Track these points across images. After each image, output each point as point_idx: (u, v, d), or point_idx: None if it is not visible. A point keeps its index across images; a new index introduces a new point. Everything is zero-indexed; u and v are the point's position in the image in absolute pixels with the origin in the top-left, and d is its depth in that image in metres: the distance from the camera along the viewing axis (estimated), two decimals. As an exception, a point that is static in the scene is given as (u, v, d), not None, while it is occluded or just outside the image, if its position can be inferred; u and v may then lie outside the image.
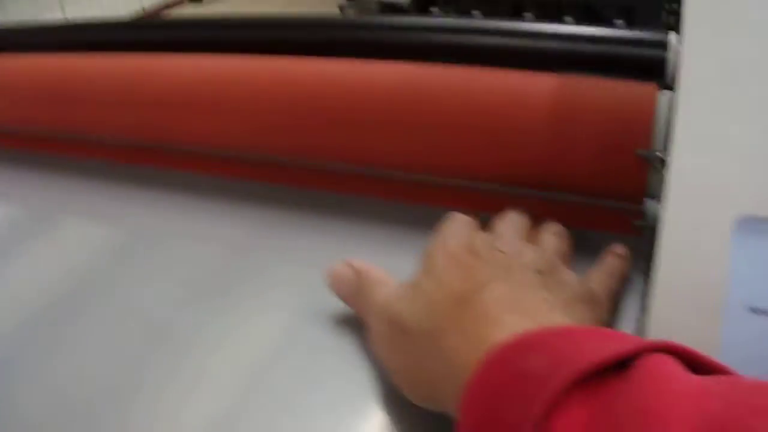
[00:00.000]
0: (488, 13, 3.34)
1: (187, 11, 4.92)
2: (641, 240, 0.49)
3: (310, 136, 0.57)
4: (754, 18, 0.36)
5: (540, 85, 0.50)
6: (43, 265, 0.60)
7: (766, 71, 0.36)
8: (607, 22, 2.34)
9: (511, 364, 0.33)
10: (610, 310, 0.45)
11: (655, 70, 0.52)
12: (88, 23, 0.79)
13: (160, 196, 0.66)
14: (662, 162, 0.46)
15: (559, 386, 0.30)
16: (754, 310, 0.34)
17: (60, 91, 0.69)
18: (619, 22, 3.15)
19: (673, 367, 0.30)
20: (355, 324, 0.49)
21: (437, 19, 0.59)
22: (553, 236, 0.48)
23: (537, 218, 0.50)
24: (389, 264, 0.49)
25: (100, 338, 0.51)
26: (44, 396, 0.47)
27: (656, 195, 0.48)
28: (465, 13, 3.43)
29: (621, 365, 0.31)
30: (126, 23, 0.81)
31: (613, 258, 0.48)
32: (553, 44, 0.56)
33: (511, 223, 0.48)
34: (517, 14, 3.32)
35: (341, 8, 4.40)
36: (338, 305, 0.49)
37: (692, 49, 0.38)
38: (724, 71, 0.37)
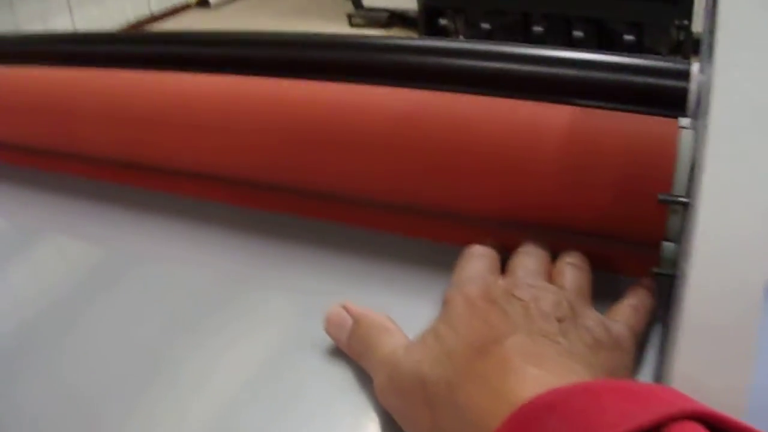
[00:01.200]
0: (497, 25, 3.33)
1: (195, 16, 4.91)
2: (657, 284, 0.46)
3: (306, 162, 0.54)
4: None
5: (553, 117, 0.47)
6: (20, 283, 0.58)
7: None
8: (617, 36, 2.33)
9: (531, 430, 0.31)
10: (635, 352, 0.42)
11: (676, 102, 0.49)
12: (74, 35, 0.77)
13: (146, 218, 0.63)
14: (684, 206, 0.43)
15: None
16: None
17: (44, 104, 0.66)
18: (629, 37, 3.14)
19: None
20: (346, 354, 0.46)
21: (446, 42, 0.55)
22: (573, 270, 0.45)
23: (557, 248, 0.48)
24: (391, 303, 0.46)
25: (74, 364, 0.48)
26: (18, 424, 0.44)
27: (675, 238, 0.45)
28: (473, 24, 3.44)
29: None
30: (114, 36, 0.78)
31: (640, 291, 0.46)
32: (567, 71, 0.53)
33: (529, 262, 0.46)
34: (525, 27, 3.32)
35: (350, 17, 4.39)
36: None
37: (725, 86, 0.34)
38: (760, 111, 0.34)
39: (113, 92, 0.62)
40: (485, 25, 3.37)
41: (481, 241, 0.49)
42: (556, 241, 0.48)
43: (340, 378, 0.45)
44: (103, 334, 0.51)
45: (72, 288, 0.57)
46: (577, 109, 0.48)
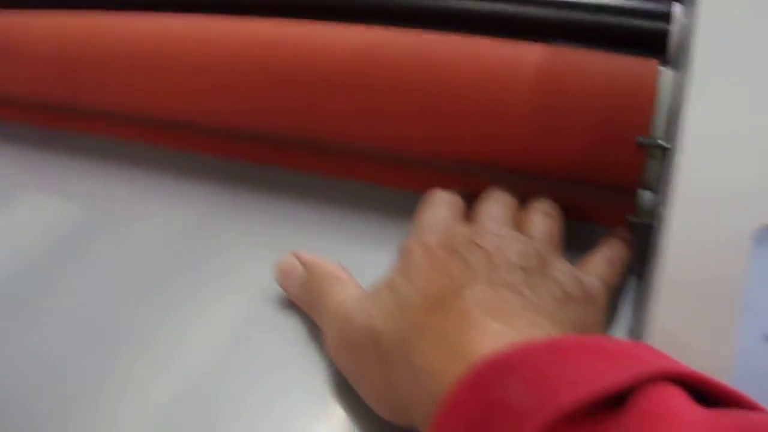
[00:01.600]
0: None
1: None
2: (634, 235, 0.44)
3: (269, 105, 0.51)
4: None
5: (527, 56, 0.44)
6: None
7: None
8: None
9: (488, 390, 0.28)
10: (608, 307, 0.39)
11: (655, 44, 0.47)
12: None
13: (111, 170, 0.60)
14: (663, 150, 0.40)
15: (539, 428, 0.25)
16: (771, 340, 0.29)
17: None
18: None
19: (678, 404, 0.24)
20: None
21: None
22: (543, 218, 0.42)
23: (526, 194, 0.45)
24: (355, 254, 0.44)
25: (48, 326, 0.47)
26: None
27: (652, 186, 0.42)
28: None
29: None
30: None
31: (615, 242, 0.43)
32: (543, 11, 0.50)
33: (495, 208, 0.43)
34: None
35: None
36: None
37: (709, 22, 0.32)
38: (746, 52, 0.31)
39: (64, 36, 0.59)
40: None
41: (446, 187, 0.46)
42: (527, 188, 0.46)
43: (317, 342, 0.43)
44: (73, 298, 0.49)
45: (40, 249, 0.54)
46: (552, 48, 0.45)
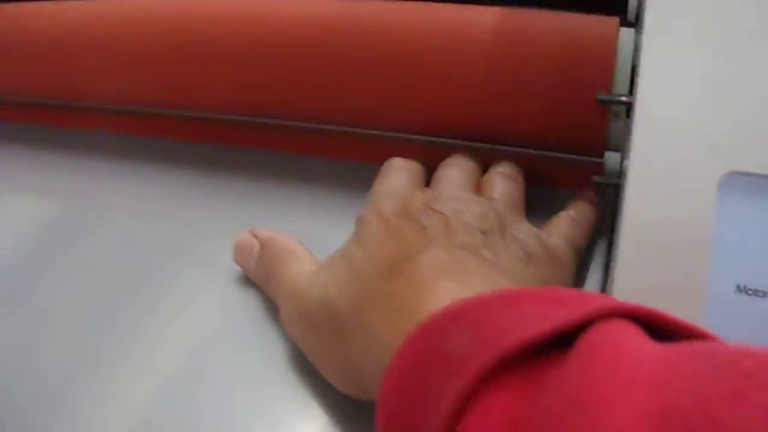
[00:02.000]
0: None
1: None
2: (601, 196, 0.43)
3: (221, 82, 0.49)
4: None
5: (481, 19, 0.43)
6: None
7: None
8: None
9: (432, 341, 0.26)
10: (574, 268, 0.38)
11: (615, 3, 0.45)
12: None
13: (83, 161, 0.58)
14: (627, 107, 0.39)
15: (477, 372, 0.23)
16: (744, 290, 0.28)
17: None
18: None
19: (630, 339, 0.22)
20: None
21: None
22: (503, 180, 0.41)
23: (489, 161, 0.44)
24: (317, 230, 0.42)
25: (29, 321, 0.45)
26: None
27: (618, 146, 0.41)
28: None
29: (568, 338, 0.23)
30: None
31: (580, 203, 0.42)
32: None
33: (454, 173, 0.41)
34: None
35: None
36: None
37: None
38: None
39: (24, 23, 0.57)
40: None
41: (406, 158, 0.45)
42: (489, 156, 0.44)
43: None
44: (53, 294, 0.47)
45: (14, 246, 0.52)
46: (506, 9, 0.43)
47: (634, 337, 0.22)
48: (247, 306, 0.43)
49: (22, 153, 0.60)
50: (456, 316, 0.26)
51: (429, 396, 0.25)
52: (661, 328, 0.23)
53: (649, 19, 0.32)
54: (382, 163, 0.45)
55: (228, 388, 0.39)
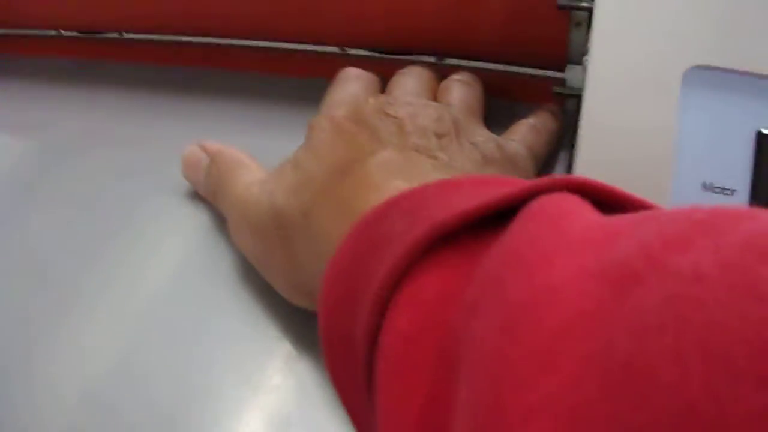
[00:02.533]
0: None
1: None
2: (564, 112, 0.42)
3: (175, 6, 0.47)
4: None
5: None
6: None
7: None
8: None
9: (371, 229, 0.25)
10: (533, 174, 0.37)
11: None
12: None
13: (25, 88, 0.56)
14: (589, 14, 0.38)
15: (410, 246, 0.22)
16: (709, 188, 0.27)
17: None
18: None
19: (575, 207, 0.21)
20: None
21: None
22: (459, 86, 0.40)
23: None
24: (270, 145, 0.40)
25: None
26: None
27: (580, 59, 0.40)
28: None
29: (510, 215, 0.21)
30: None
31: (541, 112, 0.41)
32: None
33: (410, 81, 0.40)
34: None
35: None
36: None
37: None
38: None
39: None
40: None
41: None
42: (447, 71, 0.43)
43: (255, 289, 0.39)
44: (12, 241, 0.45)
45: None
46: None
47: (579, 206, 0.21)
48: (199, 225, 0.42)
49: None
50: (395, 203, 0.25)
51: (364, 278, 0.23)
52: (611, 204, 0.22)
53: None
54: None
55: (185, 310, 0.38)
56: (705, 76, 0.27)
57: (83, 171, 0.47)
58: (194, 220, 0.42)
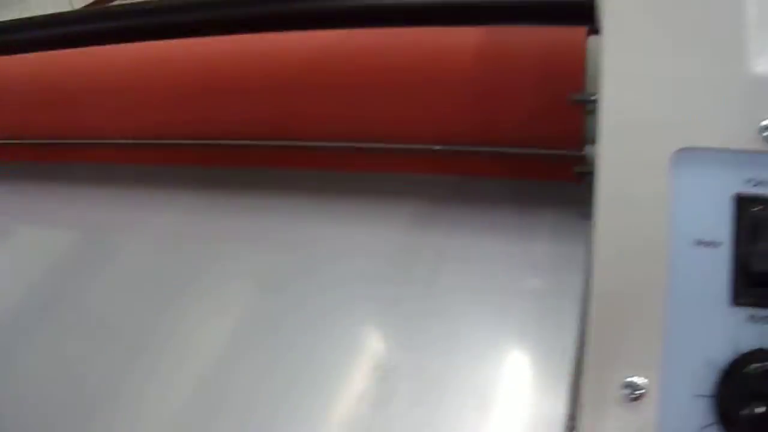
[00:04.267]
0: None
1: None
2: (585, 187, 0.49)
3: (237, 112, 0.55)
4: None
5: (465, 37, 0.49)
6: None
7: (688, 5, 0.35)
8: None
9: None
10: None
11: (585, 15, 0.52)
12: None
13: (94, 191, 0.64)
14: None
15: None
16: (699, 243, 0.34)
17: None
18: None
19: None
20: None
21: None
22: None
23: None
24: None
25: (57, 342, 0.50)
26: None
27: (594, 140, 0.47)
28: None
29: None
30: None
31: None
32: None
33: None
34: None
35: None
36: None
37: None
38: (645, 5, 0.36)
39: (47, 72, 0.63)
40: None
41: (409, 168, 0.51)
42: (484, 160, 0.50)
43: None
44: (84, 313, 0.52)
45: (44, 272, 0.57)
46: (486, 28, 0.50)
47: None
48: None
49: (38, 189, 0.66)
50: None
51: None
52: None
53: (606, 22, 0.38)
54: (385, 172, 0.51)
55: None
56: (689, 155, 0.34)
57: (146, 266, 0.55)
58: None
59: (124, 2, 0.72)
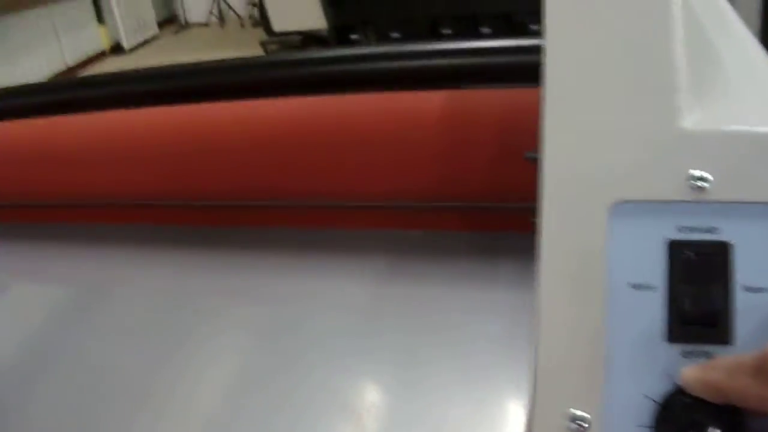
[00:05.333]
0: (407, 33, 3.40)
1: (112, 63, 4.92)
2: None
3: (224, 176, 0.59)
4: (609, 14, 0.40)
5: (429, 103, 0.53)
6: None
7: (620, 65, 0.39)
8: (524, 27, 2.39)
9: None
10: None
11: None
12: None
13: (102, 251, 0.67)
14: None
15: None
16: (635, 287, 0.37)
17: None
18: (536, 27, 3.26)
19: None
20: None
21: (351, 49, 0.61)
22: None
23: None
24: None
25: (62, 398, 0.53)
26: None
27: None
28: (384, 35, 3.50)
29: None
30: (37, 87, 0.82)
31: None
32: (443, 61, 0.59)
33: None
34: (434, 31, 3.39)
35: (263, 45, 4.42)
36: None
37: (554, 49, 0.41)
38: (583, 68, 0.40)
39: (38, 138, 0.67)
40: (396, 35, 3.45)
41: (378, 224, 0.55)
42: (450, 215, 0.54)
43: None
44: (88, 366, 0.56)
45: (51, 328, 0.61)
46: (452, 91, 0.54)
47: None
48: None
49: (39, 249, 0.70)
50: None
51: None
52: None
53: (548, 87, 0.42)
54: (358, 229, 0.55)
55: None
56: (625, 207, 0.37)
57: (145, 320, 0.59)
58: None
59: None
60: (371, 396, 0.48)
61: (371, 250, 0.53)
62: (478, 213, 0.51)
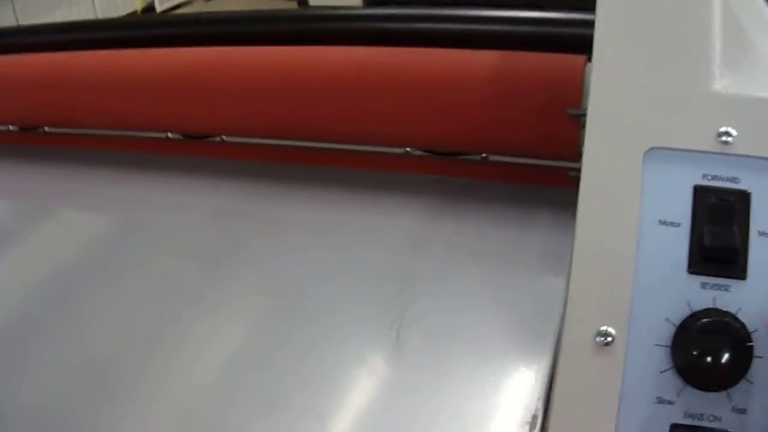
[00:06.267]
0: None
1: (197, 8, 4.96)
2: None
3: (285, 115, 0.64)
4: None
5: (480, 59, 0.58)
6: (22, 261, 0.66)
7: (662, 35, 0.44)
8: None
9: None
10: None
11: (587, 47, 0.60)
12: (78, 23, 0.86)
13: (146, 179, 0.72)
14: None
15: None
16: (663, 223, 0.42)
17: (49, 83, 0.74)
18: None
19: None
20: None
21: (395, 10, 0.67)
22: None
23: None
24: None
25: (84, 335, 0.56)
26: (32, 389, 0.52)
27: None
28: None
29: None
30: (112, 22, 0.87)
31: None
32: (497, 27, 0.65)
33: None
34: None
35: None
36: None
37: (604, 17, 0.46)
38: (629, 37, 0.45)
39: (113, 68, 0.72)
40: None
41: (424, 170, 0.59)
42: (489, 167, 0.59)
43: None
44: (111, 303, 0.58)
45: (76, 258, 0.64)
46: (503, 52, 0.59)
47: None
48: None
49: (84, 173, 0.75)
50: None
51: None
52: None
53: (596, 52, 0.47)
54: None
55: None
56: (659, 154, 0.42)
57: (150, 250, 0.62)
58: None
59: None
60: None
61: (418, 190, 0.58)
62: (519, 168, 0.56)
